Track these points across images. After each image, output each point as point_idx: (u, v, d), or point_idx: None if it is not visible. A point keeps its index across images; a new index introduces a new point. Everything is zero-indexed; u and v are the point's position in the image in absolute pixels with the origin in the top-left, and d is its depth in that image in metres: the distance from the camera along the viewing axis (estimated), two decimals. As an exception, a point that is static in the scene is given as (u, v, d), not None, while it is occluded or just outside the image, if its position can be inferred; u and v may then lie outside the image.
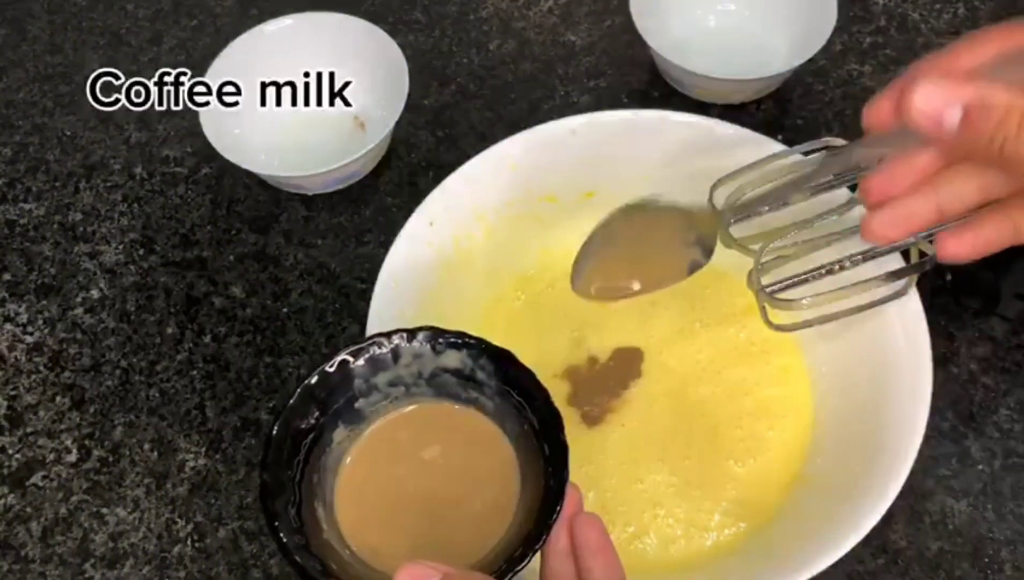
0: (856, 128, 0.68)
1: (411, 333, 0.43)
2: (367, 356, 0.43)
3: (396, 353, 0.43)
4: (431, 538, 0.41)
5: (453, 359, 0.43)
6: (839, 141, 0.52)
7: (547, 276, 0.62)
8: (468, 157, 0.56)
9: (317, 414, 0.42)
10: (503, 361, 0.42)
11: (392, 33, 0.68)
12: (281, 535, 0.38)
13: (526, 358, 0.42)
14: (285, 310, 0.65)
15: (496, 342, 0.42)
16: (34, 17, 0.79)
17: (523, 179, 0.58)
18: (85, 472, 0.61)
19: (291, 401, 0.41)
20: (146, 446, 0.61)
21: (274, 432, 0.41)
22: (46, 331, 0.65)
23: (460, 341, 0.42)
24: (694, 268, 0.52)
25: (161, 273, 0.67)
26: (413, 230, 0.55)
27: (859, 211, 0.52)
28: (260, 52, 0.69)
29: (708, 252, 0.52)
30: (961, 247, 0.42)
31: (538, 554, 0.38)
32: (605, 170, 0.59)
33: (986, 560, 0.55)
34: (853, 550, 0.45)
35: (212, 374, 0.63)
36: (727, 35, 0.72)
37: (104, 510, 0.59)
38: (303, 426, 0.42)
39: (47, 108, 0.74)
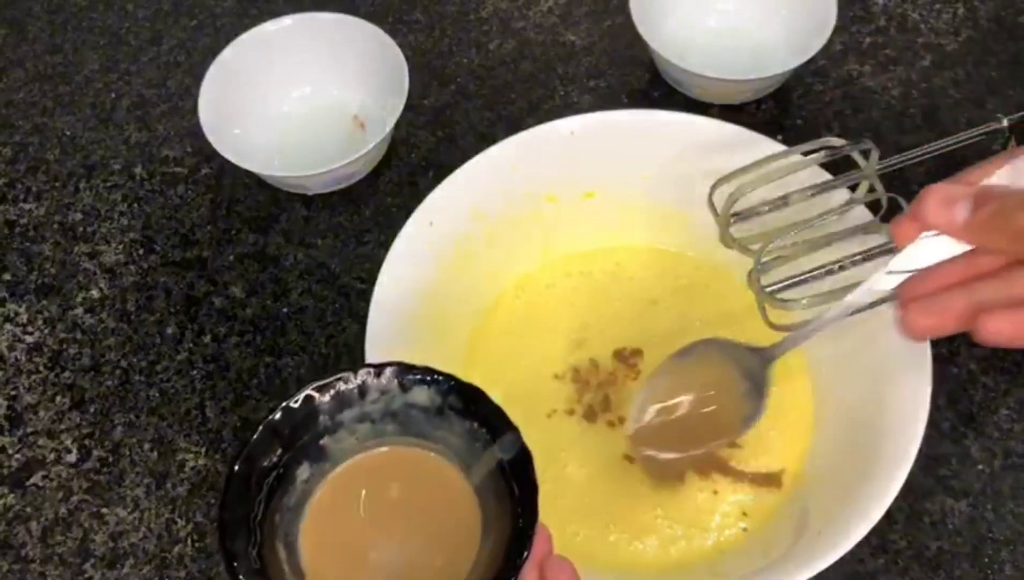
0: (856, 128, 0.68)
1: (378, 369, 0.41)
2: (333, 392, 0.42)
3: (363, 389, 0.42)
4: (405, 570, 0.41)
5: (421, 396, 0.42)
6: (839, 141, 0.53)
7: (547, 276, 0.62)
8: (468, 157, 0.56)
9: (280, 451, 0.41)
10: (472, 398, 0.41)
11: (392, 33, 0.68)
12: (240, 577, 0.37)
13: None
14: (285, 310, 0.65)
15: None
16: (34, 17, 0.79)
17: (523, 179, 0.58)
18: (85, 472, 0.61)
19: (253, 438, 0.40)
20: (146, 446, 0.61)
21: (235, 469, 0.39)
22: (46, 331, 0.65)
23: (429, 378, 0.41)
24: (748, 423, 0.51)
25: (161, 273, 0.67)
26: (413, 230, 0.55)
27: (859, 211, 0.52)
28: (260, 52, 0.69)
29: (760, 396, 0.51)
30: (1003, 325, 0.42)
31: None
32: (605, 170, 0.59)
33: (986, 560, 0.55)
34: (853, 550, 0.45)
35: (212, 374, 0.63)
36: (727, 35, 0.72)
37: (104, 510, 0.59)
38: (266, 463, 0.41)
39: (47, 108, 0.74)
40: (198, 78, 0.67)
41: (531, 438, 0.40)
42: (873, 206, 0.52)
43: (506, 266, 0.61)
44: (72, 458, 0.61)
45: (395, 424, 0.43)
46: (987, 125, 0.56)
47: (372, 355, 0.51)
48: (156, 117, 0.73)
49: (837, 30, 0.65)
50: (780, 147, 0.54)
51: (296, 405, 0.41)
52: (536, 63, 0.73)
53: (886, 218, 0.50)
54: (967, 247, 0.43)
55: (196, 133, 0.66)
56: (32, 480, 0.61)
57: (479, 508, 0.41)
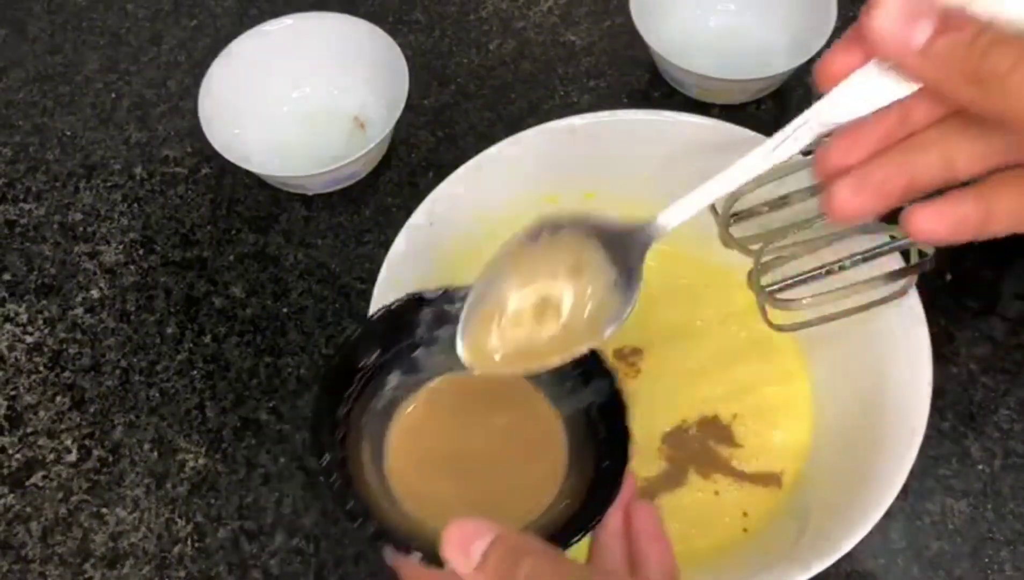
0: (856, 128, 0.68)
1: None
2: (435, 307, 0.42)
3: (462, 309, 0.41)
4: (475, 499, 0.41)
5: None
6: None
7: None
8: (468, 157, 0.56)
9: (378, 353, 0.41)
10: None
11: (392, 33, 0.68)
12: (331, 474, 0.37)
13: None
14: (285, 310, 0.65)
15: None
16: (34, 17, 0.79)
17: (523, 179, 0.58)
18: (85, 472, 0.61)
19: (356, 333, 0.40)
20: (146, 446, 0.61)
21: (336, 360, 0.40)
22: (46, 331, 0.65)
23: None
24: (612, 322, 0.39)
25: (161, 273, 0.67)
26: (413, 230, 0.55)
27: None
28: (260, 52, 0.69)
29: (630, 289, 0.39)
30: (938, 223, 0.34)
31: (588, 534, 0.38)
32: (605, 170, 0.59)
33: (986, 560, 0.55)
34: (853, 550, 0.45)
35: (212, 374, 0.63)
36: (727, 35, 0.72)
37: (104, 510, 0.59)
38: (361, 363, 0.41)
39: (47, 108, 0.74)
40: (198, 78, 0.67)
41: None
42: (873, 206, 0.52)
43: (506, 266, 0.61)
44: (72, 458, 0.61)
45: None
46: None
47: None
48: (156, 117, 0.73)
49: (837, 30, 0.65)
50: (780, 147, 0.54)
51: (397, 308, 0.41)
52: (536, 63, 0.73)
53: (886, 218, 0.50)
54: (909, 90, 0.33)
55: (196, 133, 0.66)
56: (32, 480, 0.61)
57: (566, 444, 0.42)
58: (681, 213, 0.39)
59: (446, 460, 0.42)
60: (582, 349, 0.39)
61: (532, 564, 0.33)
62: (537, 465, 0.42)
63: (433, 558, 0.35)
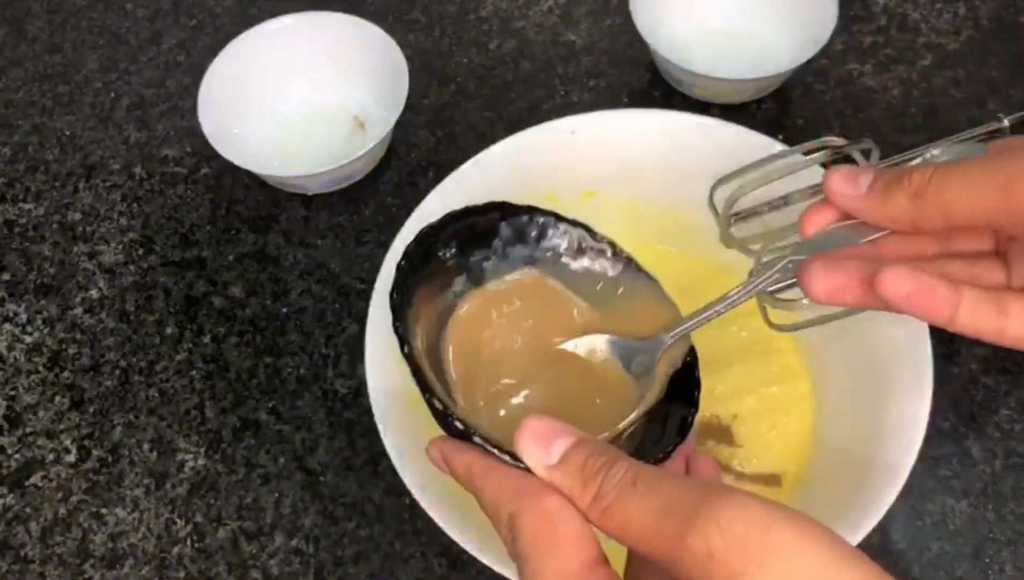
0: (856, 128, 0.68)
1: (565, 221, 0.41)
2: (516, 222, 0.41)
3: (542, 233, 0.41)
4: (555, 403, 0.40)
5: (596, 265, 0.41)
6: (839, 141, 0.52)
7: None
8: (468, 157, 0.56)
9: (454, 251, 0.40)
10: (645, 281, 0.41)
11: (392, 33, 0.68)
12: (396, 324, 0.36)
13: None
14: (285, 310, 0.65)
15: None
16: (34, 17, 0.79)
17: (523, 179, 0.58)
18: (84, 472, 0.61)
19: (435, 222, 0.40)
20: (145, 446, 0.61)
21: (422, 232, 0.39)
22: (45, 331, 0.65)
23: (609, 251, 0.41)
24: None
25: (160, 273, 0.67)
26: (413, 230, 0.55)
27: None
28: (260, 52, 0.69)
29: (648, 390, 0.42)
30: (902, 285, 0.38)
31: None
32: (605, 170, 0.59)
33: (986, 560, 0.55)
34: (853, 550, 0.45)
35: (212, 374, 0.63)
36: (727, 35, 0.72)
37: (104, 510, 0.59)
38: (437, 254, 0.40)
39: (47, 108, 0.74)
40: (198, 78, 0.67)
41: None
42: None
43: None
44: (71, 458, 0.61)
45: (559, 281, 0.42)
46: (988, 125, 0.55)
47: (372, 355, 0.51)
48: (156, 117, 0.73)
49: (837, 30, 0.65)
50: (781, 147, 0.54)
51: (480, 211, 0.40)
52: (536, 63, 0.73)
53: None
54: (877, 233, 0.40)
55: (196, 133, 0.66)
56: (32, 480, 0.61)
57: (634, 393, 0.41)
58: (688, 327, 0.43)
59: (520, 358, 0.41)
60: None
61: (626, 469, 0.30)
62: (612, 386, 0.41)
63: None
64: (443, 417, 0.35)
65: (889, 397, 0.50)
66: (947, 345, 0.60)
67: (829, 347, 0.56)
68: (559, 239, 0.42)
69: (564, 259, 0.42)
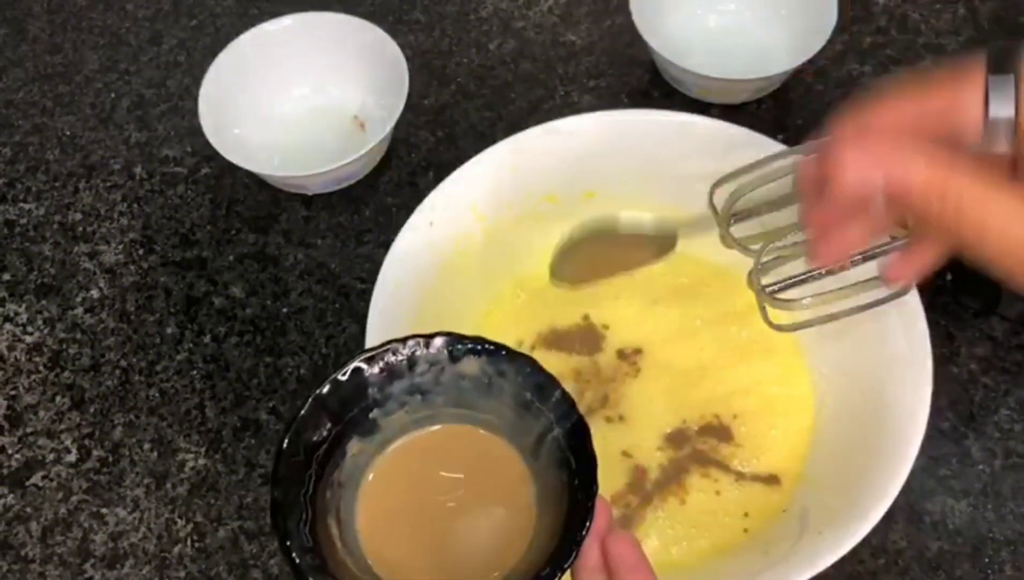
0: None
1: (428, 338, 0.40)
2: (382, 364, 0.40)
3: (412, 360, 0.40)
4: (451, 557, 0.40)
5: (472, 366, 0.40)
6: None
7: (547, 276, 0.61)
8: (468, 157, 0.56)
9: (330, 426, 0.40)
10: (525, 368, 0.40)
11: (392, 33, 0.68)
12: (295, 556, 0.36)
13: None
14: (285, 310, 0.65)
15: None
16: (34, 17, 0.79)
17: (523, 179, 0.58)
18: (85, 472, 0.61)
19: (302, 412, 0.39)
20: (146, 446, 0.61)
21: (285, 445, 0.38)
22: (46, 331, 0.65)
23: (479, 347, 0.40)
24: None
25: (161, 273, 0.67)
26: (413, 230, 0.55)
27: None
28: (260, 52, 0.69)
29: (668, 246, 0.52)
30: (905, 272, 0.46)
31: (567, 572, 0.36)
32: (605, 170, 0.59)
33: (986, 560, 0.55)
34: (853, 550, 0.45)
35: (212, 374, 0.63)
36: (727, 35, 0.72)
37: (104, 510, 0.59)
38: (315, 438, 0.39)
39: (47, 108, 0.74)
40: (198, 78, 0.67)
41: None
42: (873, 206, 0.52)
43: (506, 266, 0.61)
44: (72, 458, 0.61)
45: (445, 396, 0.41)
46: (987, 125, 0.55)
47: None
48: (156, 117, 0.73)
49: (837, 30, 0.65)
50: (780, 147, 0.54)
51: (344, 378, 0.40)
52: (536, 63, 0.73)
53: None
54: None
55: (196, 133, 0.66)
56: (32, 480, 0.61)
57: (533, 483, 0.40)
58: None
59: (416, 522, 0.41)
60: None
61: None
62: (509, 512, 0.41)
63: None
64: None
65: (888, 397, 0.51)
66: (947, 345, 0.60)
67: (829, 347, 0.56)
68: (433, 352, 0.41)
69: (447, 372, 0.41)
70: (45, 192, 0.71)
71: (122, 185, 0.71)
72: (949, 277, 0.60)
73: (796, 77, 0.70)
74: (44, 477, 0.61)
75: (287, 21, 0.69)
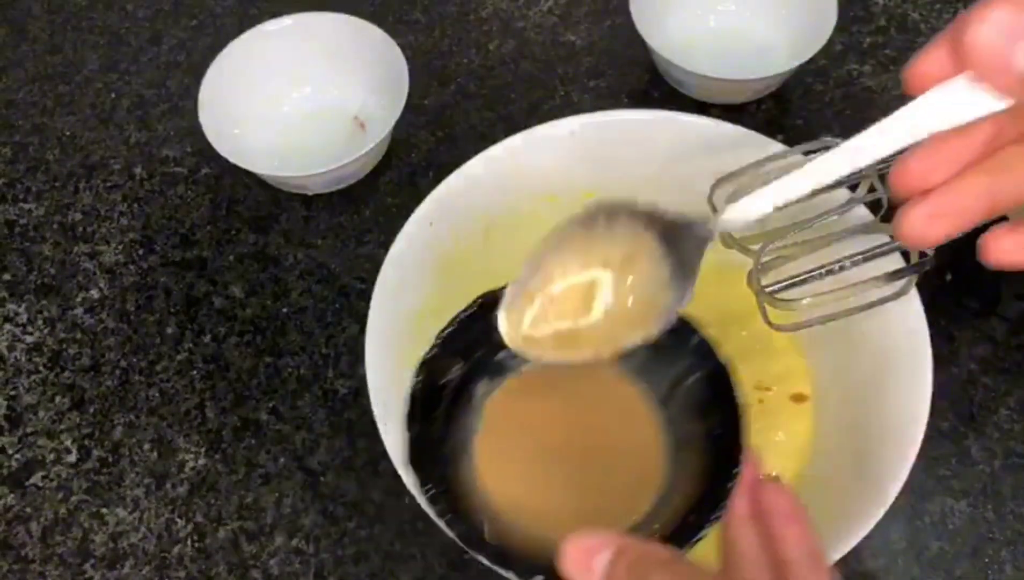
0: (856, 128, 0.68)
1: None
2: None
3: None
4: (576, 501, 0.38)
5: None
6: (839, 141, 0.52)
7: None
8: (468, 157, 0.56)
9: (459, 365, 0.39)
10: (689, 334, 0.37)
11: (392, 33, 0.68)
12: (432, 501, 0.35)
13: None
14: (285, 310, 0.65)
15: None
16: (34, 17, 0.79)
17: (523, 179, 0.58)
18: (85, 472, 0.61)
19: (431, 351, 0.38)
20: (146, 446, 0.61)
21: (417, 386, 0.37)
22: (46, 331, 0.65)
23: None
24: (666, 320, 0.39)
25: (161, 273, 0.67)
26: (413, 230, 0.55)
27: (860, 211, 0.52)
28: (260, 52, 0.69)
29: (686, 282, 0.39)
30: (939, 226, 0.32)
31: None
32: (605, 170, 0.59)
33: (986, 560, 0.55)
34: (853, 550, 0.45)
35: (212, 374, 0.63)
36: (727, 35, 0.72)
37: (104, 510, 0.59)
38: (445, 380, 0.38)
39: (47, 108, 0.74)
40: (198, 78, 0.67)
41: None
42: (873, 206, 0.52)
43: (506, 266, 0.61)
44: (72, 458, 0.61)
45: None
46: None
47: (372, 355, 0.51)
48: (156, 117, 0.73)
49: (837, 30, 0.65)
50: (781, 147, 0.54)
51: (468, 315, 0.39)
52: (536, 63, 0.73)
53: (886, 218, 0.50)
54: (1002, 106, 0.30)
55: (196, 133, 0.66)
56: (32, 480, 0.61)
57: (663, 430, 0.39)
58: (745, 212, 0.36)
59: (541, 465, 0.39)
60: (629, 343, 0.37)
61: (662, 577, 0.30)
62: (636, 457, 0.39)
63: (550, 573, 0.32)
64: (508, 564, 0.34)
65: (889, 397, 0.50)
66: (947, 345, 0.60)
67: (829, 347, 0.56)
68: None
69: None
70: (45, 192, 0.71)
71: (122, 185, 0.71)
72: (949, 277, 0.60)
73: (796, 77, 0.70)
74: (44, 477, 0.61)
75: (287, 21, 0.69)
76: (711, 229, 0.37)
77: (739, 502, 0.35)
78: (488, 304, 0.38)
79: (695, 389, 0.37)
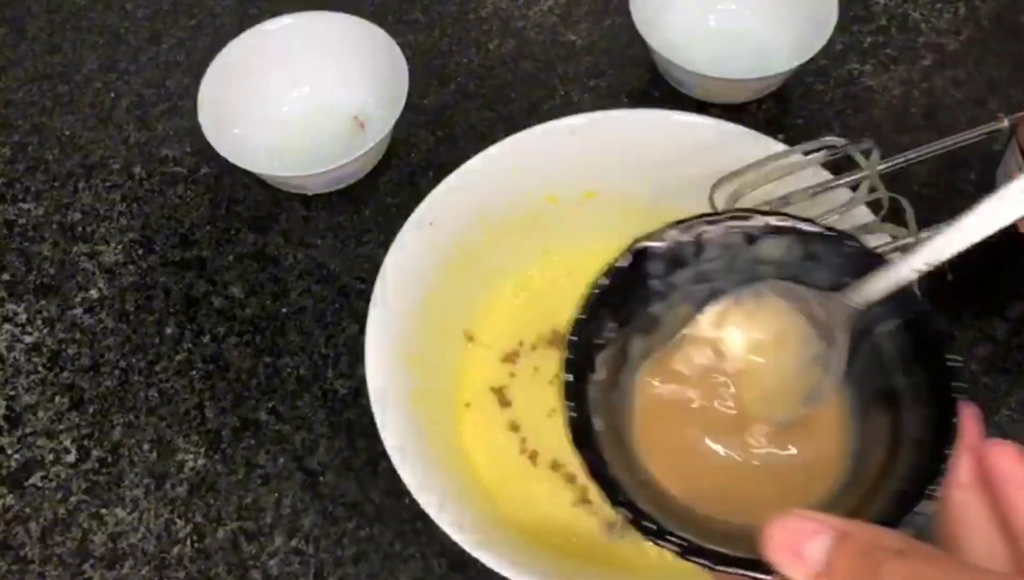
0: (857, 128, 0.68)
1: (715, 218, 0.34)
2: (663, 247, 0.35)
3: (699, 245, 0.35)
4: (747, 477, 0.34)
5: (773, 249, 0.34)
6: (840, 140, 0.52)
7: (547, 276, 0.61)
8: (468, 157, 0.56)
9: (613, 325, 0.35)
10: (845, 247, 0.33)
11: (392, 33, 0.68)
12: (598, 472, 0.31)
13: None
14: (285, 310, 0.65)
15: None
16: (33, 16, 0.79)
17: (523, 179, 0.58)
18: (84, 472, 0.60)
19: (582, 313, 0.34)
20: (145, 446, 0.61)
21: (571, 352, 0.33)
22: (45, 331, 0.65)
23: (785, 226, 0.33)
24: (810, 401, 0.35)
25: (160, 273, 0.67)
26: (413, 230, 0.55)
27: (861, 211, 0.52)
28: (260, 52, 0.69)
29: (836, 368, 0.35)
30: None
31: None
32: (605, 170, 0.59)
33: (987, 561, 0.55)
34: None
35: (211, 374, 0.63)
36: (727, 35, 0.72)
37: (103, 510, 0.59)
38: (599, 341, 0.35)
39: (46, 108, 0.74)
40: (198, 78, 0.67)
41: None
42: (874, 206, 0.52)
43: (506, 266, 0.61)
44: (71, 458, 0.61)
45: (739, 285, 0.35)
46: (988, 125, 0.56)
47: (372, 355, 0.51)
48: (156, 117, 0.73)
49: (838, 30, 0.65)
50: (781, 147, 0.54)
51: (625, 264, 0.34)
52: (536, 63, 0.73)
53: (887, 218, 0.50)
54: None
55: (196, 133, 0.66)
56: (31, 480, 0.61)
57: (846, 388, 0.34)
58: (886, 285, 0.34)
59: (701, 431, 0.35)
60: (778, 419, 0.34)
61: (904, 571, 0.25)
62: (814, 424, 0.34)
63: (721, 558, 0.29)
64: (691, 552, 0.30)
65: (890, 397, 0.50)
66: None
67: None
68: (723, 233, 0.34)
69: (742, 256, 0.34)
70: (44, 192, 0.71)
71: (121, 185, 0.70)
72: (950, 277, 0.60)
73: (797, 77, 0.70)
74: (43, 477, 0.61)
75: (287, 21, 0.69)
76: (855, 303, 0.34)
77: (964, 467, 0.30)
78: (641, 254, 0.35)
79: (888, 340, 0.32)
